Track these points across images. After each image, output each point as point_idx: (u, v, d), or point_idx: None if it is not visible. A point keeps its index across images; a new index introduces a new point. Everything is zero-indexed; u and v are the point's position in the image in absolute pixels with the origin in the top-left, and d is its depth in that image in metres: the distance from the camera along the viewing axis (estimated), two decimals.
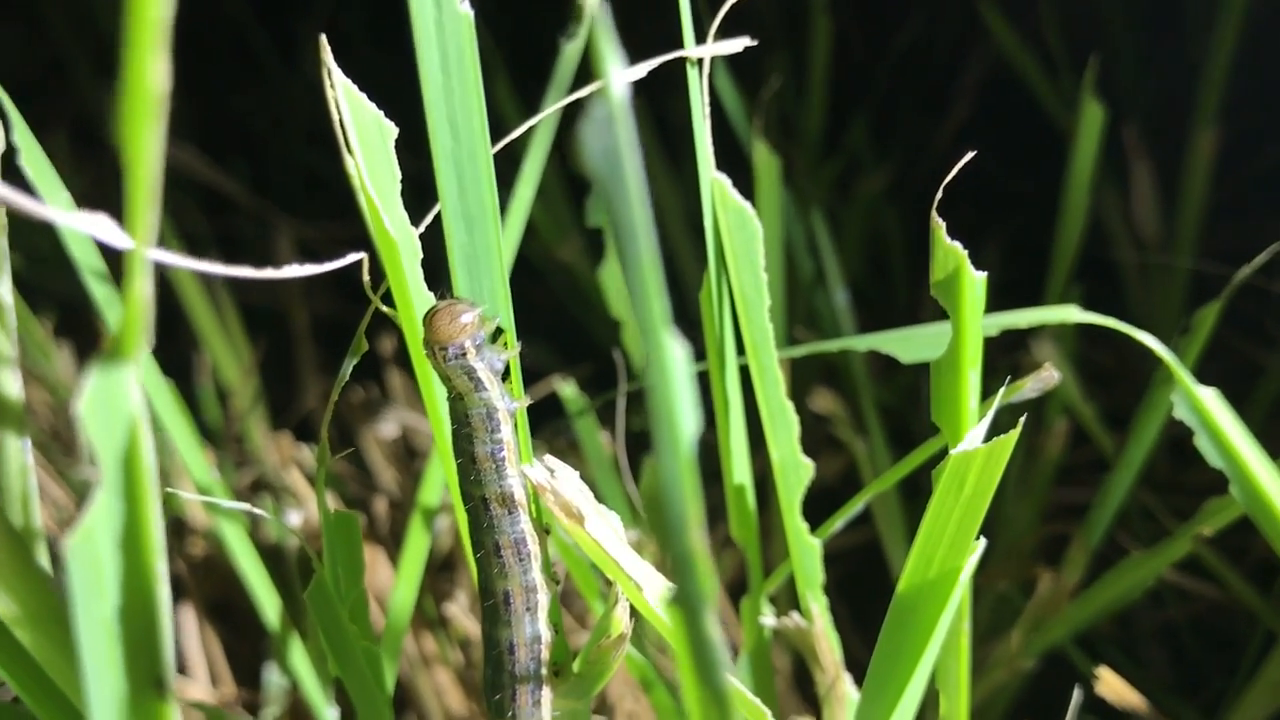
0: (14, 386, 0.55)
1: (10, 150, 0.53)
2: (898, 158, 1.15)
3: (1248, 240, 1.02)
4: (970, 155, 0.48)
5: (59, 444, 1.02)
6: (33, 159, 0.53)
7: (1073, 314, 0.56)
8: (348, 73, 0.44)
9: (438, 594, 0.82)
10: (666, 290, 0.25)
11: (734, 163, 0.50)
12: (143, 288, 0.25)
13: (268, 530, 0.85)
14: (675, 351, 0.26)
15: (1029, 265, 0.90)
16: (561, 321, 1.08)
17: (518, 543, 0.44)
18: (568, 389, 0.72)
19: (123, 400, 0.27)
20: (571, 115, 0.62)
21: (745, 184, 0.50)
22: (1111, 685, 0.65)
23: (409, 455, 0.95)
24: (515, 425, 0.44)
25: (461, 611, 0.75)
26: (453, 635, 0.80)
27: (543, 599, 0.46)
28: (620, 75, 0.26)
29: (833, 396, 0.84)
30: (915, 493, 0.90)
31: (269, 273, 0.39)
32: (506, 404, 0.43)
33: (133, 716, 0.31)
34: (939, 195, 0.44)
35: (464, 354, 0.42)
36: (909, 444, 0.97)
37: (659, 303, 0.26)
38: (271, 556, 0.80)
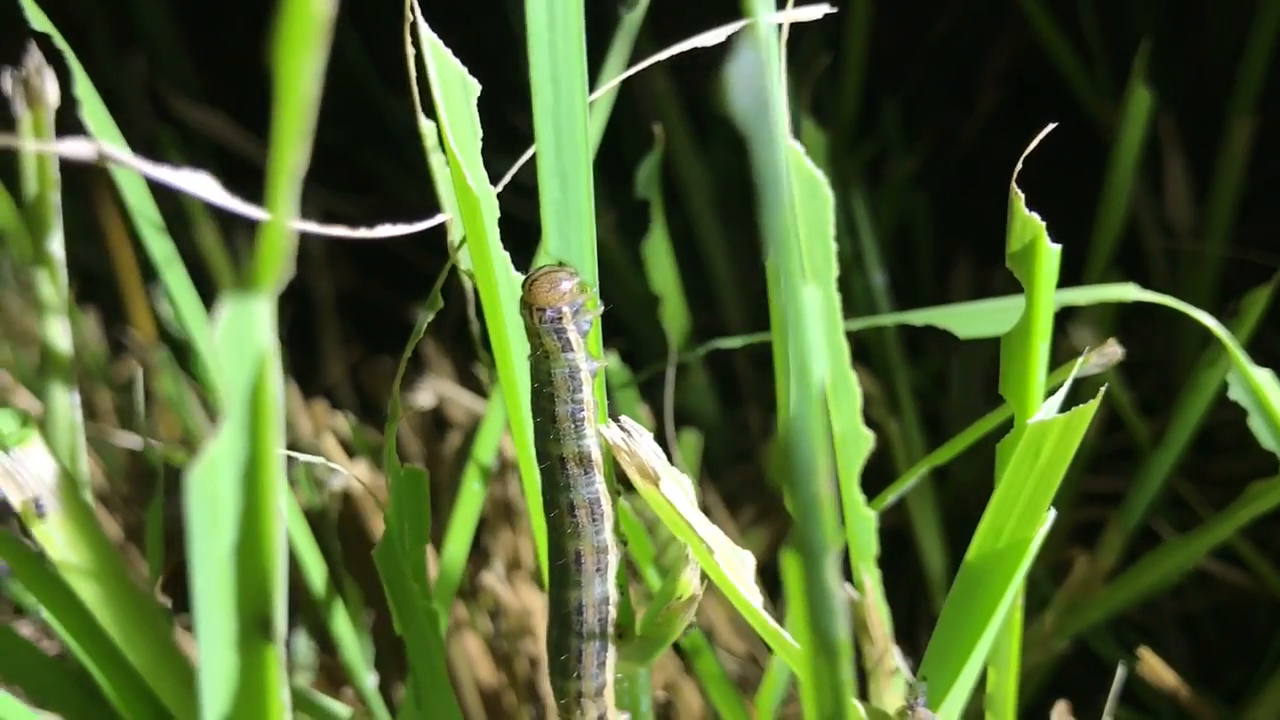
0: (65, 340, 0.55)
1: (71, 103, 0.53)
2: (927, 144, 1.15)
3: (1277, 231, 1.02)
4: (1029, 148, 0.48)
5: (83, 408, 1.02)
6: (94, 112, 0.53)
7: (1132, 292, 0.56)
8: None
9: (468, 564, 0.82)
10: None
11: None
12: (285, 215, 0.25)
13: (297, 497, 0.85)
14: (810, 298, 0.27)
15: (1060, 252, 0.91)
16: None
17: (592, 503, 0.44)
18: (610, 360, 0.72)
19: (255, 332, 0.27)
20: (627, 85, 0.62)
21: None
22: (1152, 666, 0.66)
23: (436, 426, 0.95)
24: (594, 386, 0.44)
25: (498, 580, 0.75)
26: (483, 604, 0.81)
27: (612, 560, 0.46)
28: (768, 15, 0.26)
29: (868, 376, 0.85)
30: (941, 478, 0.90)
31: (363, 232, 0.39)
32: (589, 365, 0.43)
33: (239, 656, 0.31)
34: (1018, 167, 0.44)
35: (560, 318, 0.42)
36: (937, 427, 0.98)
37: (796, 248, 0.26)
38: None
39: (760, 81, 0.25)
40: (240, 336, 0.27)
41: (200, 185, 0.33)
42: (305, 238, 1.21)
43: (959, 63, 1.27)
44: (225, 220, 1.14)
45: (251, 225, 0.37)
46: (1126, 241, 0.93)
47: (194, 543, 0.29)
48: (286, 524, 0.63)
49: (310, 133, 0.24)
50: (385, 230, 0.38)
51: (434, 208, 0.55)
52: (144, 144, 1.27)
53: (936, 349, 1.01)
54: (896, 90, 1.15)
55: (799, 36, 0.55)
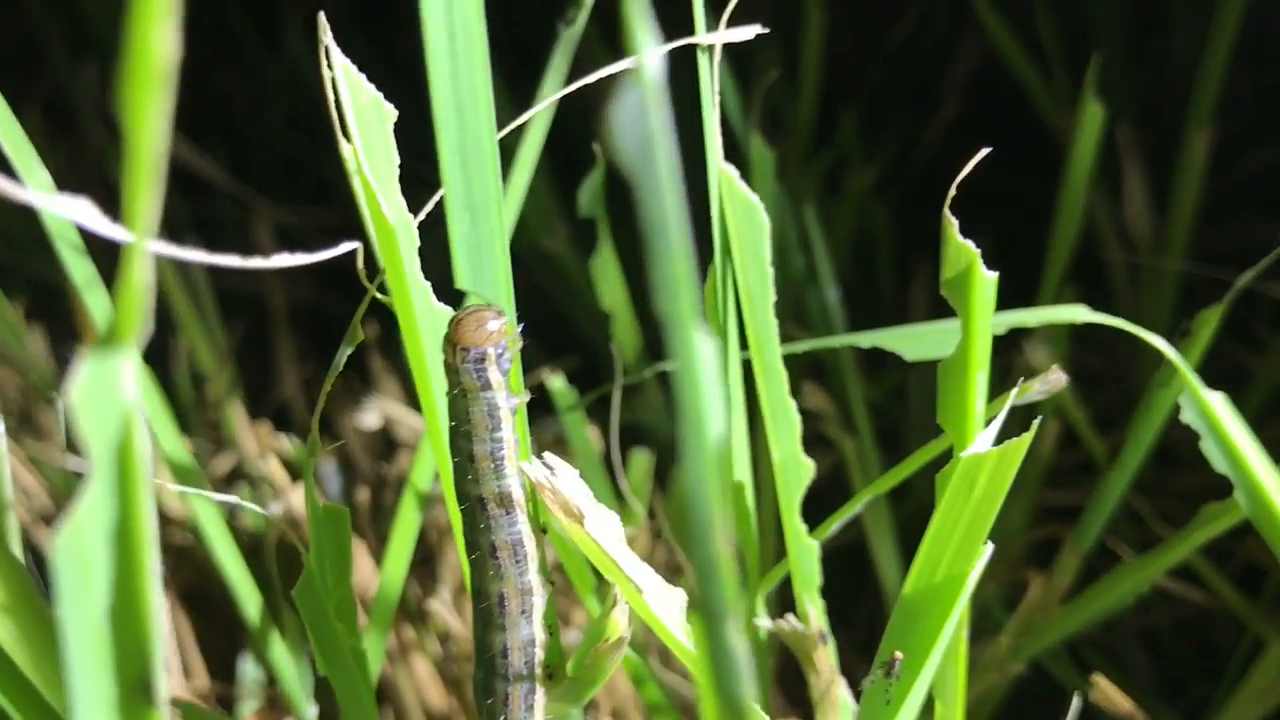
0: None
1: None
2: (886, 154, 1.14)
3: (1237, 241, 1.02)
4: (981, 154, 0.47)
5: (29, 428, 1.00)
6: (10, 136, 0.52)
7: (1081, 314, 0.55)
8: (341, 46, 0.42)
9: (416, 587, 0.81)
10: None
11: (725, 156, 0.49)
12: (141, 272, 0.24)
13: (243, 519, 0.83)
14: (704, 348, 0.25)
15: (1015, 264, 0.90)
16: (544, 313, 1.06)
17: (514, 544, 0.43)
18: (557, 382, 0.70)
19: (116, 390, 0.25)
20: (567, 103, 0.61)
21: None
22: (1106, 692, 0.65)
23: (386, 445, 0.94)
24: (515, 423, 0.43)
25: (444, 607, 0.74)
26: (432, 628, 0.79)
27: (538, 601, 0.44)
28: (655, 55, 0.24)
29: (822, 394, 0.83)
30: (901, 494, 0.89)
31: (257, 262, 0.37)
32: (509, 402, 0.42)
33: None
34: (951, 192, 0.43)
35: (484, 359, 0.41)
36: (895, 443, 0.97)
37: (689, 296, 0.25)
38: (248, 547, 0.78)
39: (645, 122, 0.24)
40: (101, 393, 0.25)
41: (79, 212, 0.31)
42: (260, 249, 1.18)
43: (920, 70, 1.26)
44: (171, 231, 1.12)
45: (211, 241, 0.36)
46: (1086, 252, 0.92)
47: (63, 609, 0.27)
48: (221, 552, 0.62)
49: (163, 180, 0.23)
50: (285, 259, 0.36)
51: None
52: (96, 161, 1.25)
53: (894, 364, 1.00)
54: (855, 98, 1.13)
55: (751, 47, 0.53)
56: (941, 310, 1.02)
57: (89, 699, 0.29)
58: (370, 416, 0.83)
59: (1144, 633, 0.91)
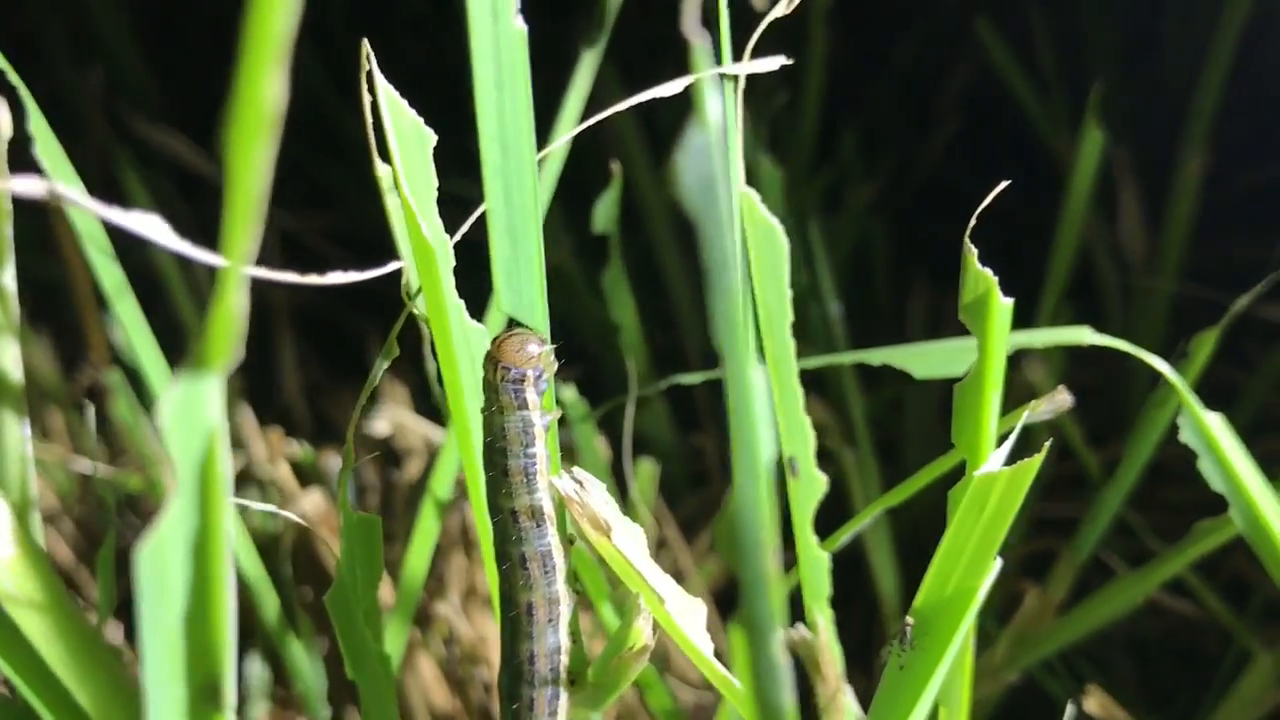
0: (17, 372, 0.55)
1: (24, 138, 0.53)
2: (884, 172, 1.16)
3: (1226, 261, 1.04)
4: (1001, 186, 0.48)
5: (33, 429, 1.01)
6: (48, 150, 0.53)
7: (1086, 335, 0.57)
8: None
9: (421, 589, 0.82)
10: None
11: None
12: (236, 299, 0.25)
13: (248, 520, 0.84)
14: (758, 380, 0.27)
15: (1008, 279, 0.91)
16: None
17: (544, 555, 0.45)
18: (568, 393, 0.72)
19: (204, 413, 0.27)
20: (588, 109, 0.62)
21: None
22: (1099, 702, 0.66)
23: (391, 450, 0.95)
24: (546, 440, 0.44)
25: (452, 609, 0.75)
26: (437, 630, 0.80)
27: (565, 610, 0.46)
28: (717, 106, 0.26)
29: (822, 407, 0.85)
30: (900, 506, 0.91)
31: (313, 278, 0.39)
32: (542, 419, 0.44)
33: None
34: (972, 222, 0.45)
35: (523, 379, 0.43)
36: (893, 455, 0.99)
37: (746, 335, 0.26)
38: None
39: (709, 167, 0.26)
40: (190, 415, 0.27)
41: (151, 228, 0.32)
42: (262, 252, 1.19)
43: (918, 88, 1.28)
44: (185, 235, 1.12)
45: (213, 243, 0.37)
46: (1080, 269, 0.94)
47: (143, 616, 0.29)
48: (238, 554, 0.63)
49: (262, 218, 0.24)
50: (340, 277, 0.38)
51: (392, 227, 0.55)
52: (100, 163, 1.25)
53: (891, 376, 1.02)
54: (855, 115, 1.15)
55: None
56: (938, 324, 1.04)
57: (163, 703, 0.30)
58: (380, 424, 0.84)
59: (1132, 642, 0.92)
